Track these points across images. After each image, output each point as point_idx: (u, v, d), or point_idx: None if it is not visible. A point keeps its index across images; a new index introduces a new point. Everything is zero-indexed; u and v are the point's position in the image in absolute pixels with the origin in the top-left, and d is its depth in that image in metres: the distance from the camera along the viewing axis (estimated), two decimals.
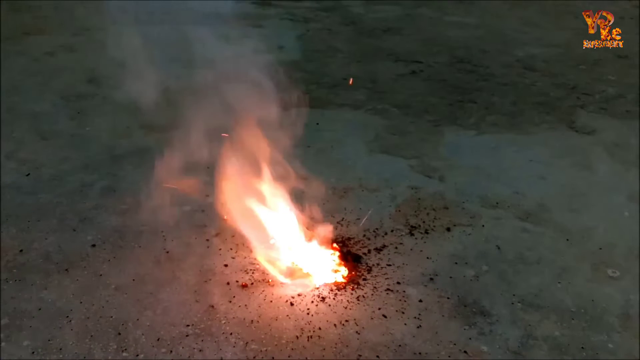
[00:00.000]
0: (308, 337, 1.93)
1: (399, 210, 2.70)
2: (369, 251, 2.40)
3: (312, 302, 2.09)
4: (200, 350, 1.87)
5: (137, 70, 2.77)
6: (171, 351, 1.86)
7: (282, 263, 2.26)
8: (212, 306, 2.06)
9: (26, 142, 3.29)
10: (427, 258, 2.37)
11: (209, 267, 2.27)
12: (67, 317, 2.00)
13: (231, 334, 1.94)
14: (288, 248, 2.30)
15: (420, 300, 2.12)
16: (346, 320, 2.01)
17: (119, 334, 1.93)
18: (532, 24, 6.12)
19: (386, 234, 2.52)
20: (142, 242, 2.42)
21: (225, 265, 2.28)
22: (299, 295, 2.12)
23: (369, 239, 2.49)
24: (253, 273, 2.24)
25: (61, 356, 1.84)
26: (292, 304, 2.08)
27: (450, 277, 2.26)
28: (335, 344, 1.91)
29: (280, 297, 2.11)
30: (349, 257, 2.33)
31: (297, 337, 1.93)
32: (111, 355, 1.85)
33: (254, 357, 1.85)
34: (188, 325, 1.97)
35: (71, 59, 4.68)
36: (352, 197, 2.81)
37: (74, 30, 5.33)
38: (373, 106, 3.95)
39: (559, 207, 2.77)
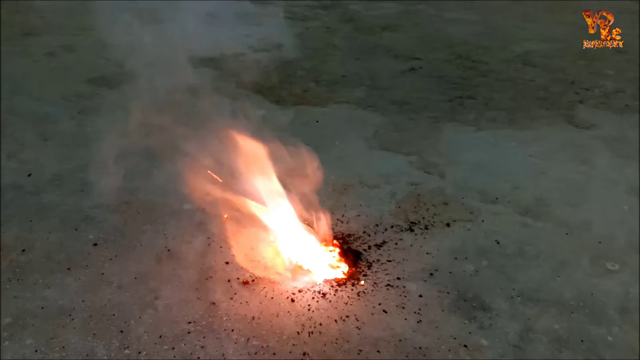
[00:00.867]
0: (309, 332, 1.94)
1: (399, 207, 2.72)
2: (369, 247, 2.41)
3: (313, 298, 2.10)
4: (202, 347, 1.88)
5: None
6: (173, 348, 1.88)
7: (283, 260, 2.27)
8: (214, 303, 2.07)
9: (27, 143, 3.30)
10: (427, 253, 2.38)
11: (210, 265, 2.28)
12: (70, 315, 2.01)
13: (233, 330, 1.95)
14: (289, 245, 2.31)
15: (421, 296, 2.13)
16: (347, 316, 2.02)
17: (122, 331, 1.94)
18: (530, 20, 6.13)
19: (386, 230, 2.54)
20: (144, 240, 2.44)
21: (227, 263, 2.29)
22: (299, 291, 2.14)
23: (369, 235, 2.50)
24: (254, 270, 2.25)
25: (64, 354, 1.85)
26: (293, 300, 2.09)
27: (450, 272, 2.27)
28: (336, 339, 1.92)
29: (281, 294, 2.13)
30: (349, 254, 2.34)
31: (298, 332, 1.94)
32: (114, 353, 1.86)
33: (256, 353, 1.86)
34: (190, 323, 1.98)
35: (71, 59, 4.69)
36: (352, 194, 2.82)
37: (73, 31, 5.34)
38: (372, 103, 3.96)
39: (558, 202, 2.77)
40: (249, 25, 5.73)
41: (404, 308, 2.07)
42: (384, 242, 2.45)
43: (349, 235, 2.49)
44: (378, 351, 1.88)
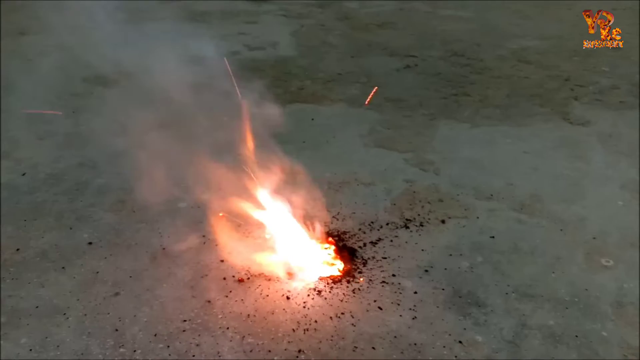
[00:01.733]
0: (304, 330, 1.94)
1: (394, 204, 2.72)
2: (365, 244, 2.41)
3: (309, 295, 2.10)
4: (197, 345, 1.88)
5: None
6: (168, 346, 1.88)
7: (279, 258, 2.27)
8: (209, 301, 2.07)
9: (22, 142, 3.29)
10: (422, 250, 2.38)
11: (205, 263, 2.28)
12: (65, 314, 2.01)
13: (228, 328, 1.95)
14: (284, 243, 2.31)
15: (416, 292, 2.14)
16: (342, 313, 2.02)
17: (116, 330, 1.94)
18: (525, 17, 6.14)
19: (381, 227, 2.54)
20: (139, 239, 2.43)
21: (222, 261, 2.29)
22: (295, 289, 2.14)
23: (364, 232, 2.50)
24: (249, 268, 2.25)
25: (59, 353, 1.85)
26: (288, 298, 2.09)
27: (445, 269, 2.27)
28: (332, 336, 1.92)
29: (277, 291, 2.13)
30: (345, 251, 2.34)
31: (294, 330, 1.94)
32: (109, 352, 1.86)
33: (251, 351, 1.86)
34: (185, 321, 1.98)
35: (65, 58, 4.67)
36: (348, 192, 2.82)
37: (68, 30, 5.31)
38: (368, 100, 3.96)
39: (553, 198, 2.78)
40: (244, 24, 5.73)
41: (399, 305, 2.07)
42: (380, 239, 2.45)
43: (345, 233, 2.49)
44: (373, 348, 1.88)
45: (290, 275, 2.20)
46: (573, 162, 3.15)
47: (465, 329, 1.97)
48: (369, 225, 2.55)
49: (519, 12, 6.27)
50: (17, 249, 2.35)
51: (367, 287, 2.16)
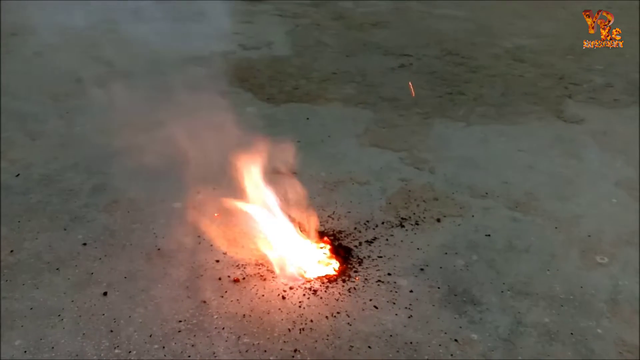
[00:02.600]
0: (300, 329, 1.94)
1: (390, 203, 2.72)
2: (360, 244, 2.41)
3: (304, 295, 2.10)
4: (192, 346, 1.87)
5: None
6: (164, 347, 1.87)
7: (274, 257, 2.27)
8: (204, 301, 2.07)
9: (15, 142, 3.27)
10: (418, 249, 2.38)
11: (200, 263, 2.27)
12: (59, 315, 2.00)
13: (223, 328, 1.94)
14: (279, 242, 2.30)
15: (411, 291, 2.14)
16: (338, 312, 2.02)
17: (111, 331, 1.93)
18: (520, 16, 6.15)
19: (377, 226, 2.54)
20: (133, 239, 2.42)
21: (217, 261, 2.28)
22: (290, 288, 2.13)
23: (359, 231, 2.50)
24: (245, 268, 2.24)
25: (53, 355, 1.84)
26: (284, 298, 2.09)
27: (441, 267, 2.27)
28: (327, 335, 1.92)
29: (272, 291, 2.12)
30: (340, 250, 2.34)
31: (289, 329, 1.94)
32: (104, 353, 1.85)
33: (247, 351, 1.85)
34: (180, 321, 1.97)
35: (59, 58, 4.65)
36: (343, 191, 2.82)
37: (61, 31, 5.30)
38: (363, 100, 3.96)
39: (548, 196, 2.79)
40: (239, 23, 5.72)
41: (394, 303, 2.07)
42: (375, 238, 2.45)
43: (340, 232, 2.49)
44: (369, 347, 1.88)
45: (285, 275, 2.19)
46: (567, 160, 3.16)
47: (460, 327, 1.97)
48: (365, 224, 2.55)
49: (514, 11, 6.29)
50: (11, 251, 2.34)
51: (363, 286, 2.16)
